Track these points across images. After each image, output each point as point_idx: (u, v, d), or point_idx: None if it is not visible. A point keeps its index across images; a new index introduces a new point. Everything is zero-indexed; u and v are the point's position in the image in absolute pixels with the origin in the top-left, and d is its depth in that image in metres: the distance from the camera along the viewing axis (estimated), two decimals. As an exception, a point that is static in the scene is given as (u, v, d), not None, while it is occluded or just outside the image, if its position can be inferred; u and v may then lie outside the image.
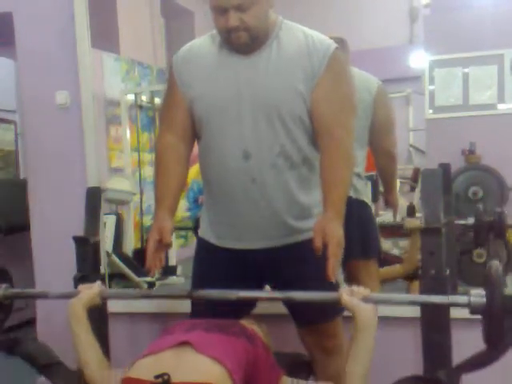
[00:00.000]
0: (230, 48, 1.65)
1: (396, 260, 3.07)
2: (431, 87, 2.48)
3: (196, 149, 1.78)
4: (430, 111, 2.49)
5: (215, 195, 1.75)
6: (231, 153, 1.64)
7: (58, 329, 1.72)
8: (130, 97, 3.90)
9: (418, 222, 2.60)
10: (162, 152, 1.72)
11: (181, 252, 3.88)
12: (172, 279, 3.58)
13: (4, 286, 1.67)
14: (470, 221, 2.38)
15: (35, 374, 2.81)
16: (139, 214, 3.82)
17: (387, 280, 2.80)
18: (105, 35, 3.44)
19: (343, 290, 1.41)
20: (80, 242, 2.12)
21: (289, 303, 1.82)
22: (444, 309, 1.66)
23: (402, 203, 2.89)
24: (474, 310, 1.33)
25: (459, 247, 2.46)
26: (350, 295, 1.39)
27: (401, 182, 3.33)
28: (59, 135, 2.69)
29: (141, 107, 3.96)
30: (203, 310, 1.74)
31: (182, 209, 3.84)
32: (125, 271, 3.17)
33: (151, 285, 3.37)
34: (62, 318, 1.81)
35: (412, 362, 1.67)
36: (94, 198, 2.27)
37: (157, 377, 1.18)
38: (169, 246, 1.63)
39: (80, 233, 2.16)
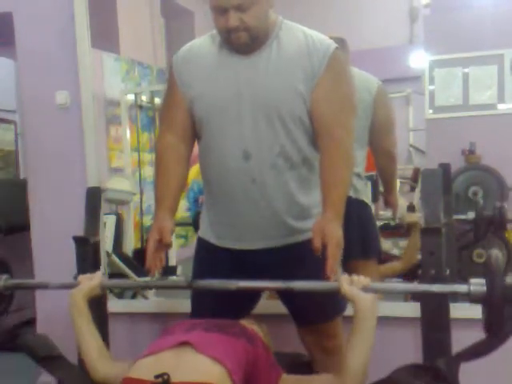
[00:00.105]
0: (230, 48, 1.65)
1: (396, 260, 3.06)
2: (431, 87, 2.48)
3: (196, 149, 1.78)
4: (430, 111, 2.49)
5: (215, 195, 1.75)
6: (231, 153, 1.64)
7: (58, 329, 1.72)
8: (130, 97, 3.91)
9: (417, 216, 2.61)
10: (162, 152, 1.72)
11: (181, 252, 3.88)
12: (172, 279, 3.57)
13: (4, 276, 1.67)
14: (471, 215, 2.39)
15: (36, 373, 2.83)
16: (139, 214, 3.82)
17: (386, 277, 2.80)
18: (105, 35, 3.45)
19: (343, 280, 1.41)
20: (80, 241, 2.12)
21: (289, 303, 1.82)
22: (444, 308, 1.66)
23: (402, 203, 2.89)
24: (473, 298, 1.32)
25: (459, 247, 2.47)
26: (349, 285, 1.39)
27: (401, 182, 3.33)
28: (59, 135, 2.69)
29: (141, 107, 3.96)
30: (203, 310, 1.74)
31: (182, 209, 3.84)
32: (125, 271, 3.17)
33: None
34: (61, 318, 1.81)
35: (412, 362, 1.66)
36: (93, 198, 2.27)
37: (157, 376, 1.18)
38: (169, 246, 1.63)
39: (80, 233, 2.16)
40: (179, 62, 1.72)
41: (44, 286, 1.76)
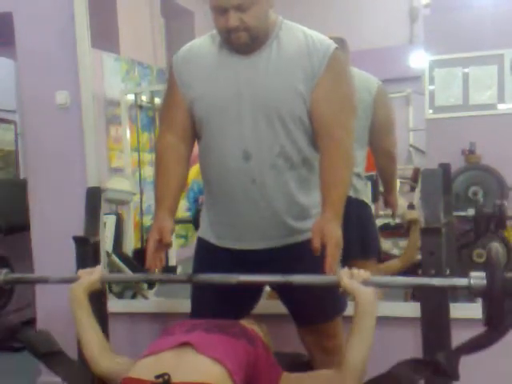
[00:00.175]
0: (229, 48, 1.65)
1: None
2: (431, 87, 2.48)
3: (196, 149, 1.78)
4: (430, 111, 2.49)
5: (215, 195, 1.75)
6: (231, 153, 1.64)
7: (58, 329, 1.72)
8: (130, 97, 3.91)
9: (416, 213, 2.61)
10: (162, 152, 1.72)
11: (181, 252, 3.88)
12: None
13: (4, 271, 1.68)
14: (470, 212, 2.39)
15: (36, 373, 2.83)
16: (139, 214, 3.82)
17: (386, 275, 2.80)
18: (105, 35, 3.45)
19: (343, 273, 1.41)
20: (80, 241, 2.12)
21: (289, 303, 1.82)
22: (444, 308, 1.66)
23: (402, 203, 2.89)
24: (474, 292, 1.32)
25: (459, 245, 2.46)
26: (349, 278, 1.39)
27: (401, 182, 3.33)
28: (59, 135, 2.69)
29: (141, 107, 3.96)
30: (203, 310, 1.75)
31: (182, 209, 3.84)
32: (125, 271, 3.17)
33: (151, 285, 3.37)
34: (62, 318, 1.82)
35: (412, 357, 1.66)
36: (94, 198, 2.27)
37: (157, 377, 1.18)
38: (169, 245, 1.63)
39: (80, 233, 2.16)
40: (179, 62, 1.72)
41: (44, 281, 1.76)
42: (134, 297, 3.29)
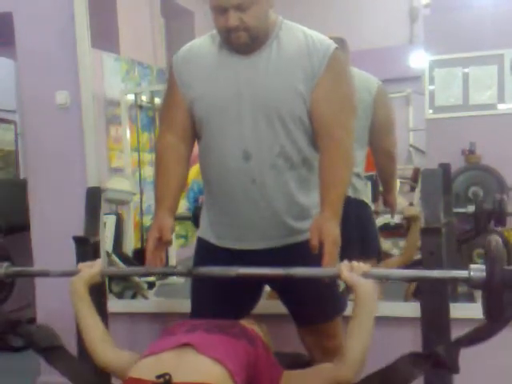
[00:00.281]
0: (229, 48, 1.65)
1: (395, 259, 3.06)
2: (431, 87, 2.48)
3: (196, 149, 1.78)
4: (430, 111, 2.50)
5: (215, 195, 1.75)
6: (231, 153, 1.64)
7: (58, 329, 1.71)
8: (130, 97, 3.91)
9: (416, 210, 2.61)
10: (162, 152, 1.72)
11: (181, 252, 3.88)
12: (172, 279, 3.58)
13: (5, 264, 1.68)
14: (471, 209, 2.39)
15: (36, 373, 2.83)
16: (139, 214, 3.82)
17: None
18: (105, 35, 3.44)
19: (343, 266, 1.41)
20: (80, 241, 2.13)
21: (289, 303, 1.82)
22: (444, 308, 1.66)
23: (401, 202, 2.89)
24: (473, 284, 1.32)
25: (459, 241, 2.47)
26: (349, 271, 1.39)
27: (401, 182, 3.33)
28: (59, 135, 2.69)
29: (141, 107, 3.96)
30: (203, 310, 1.74)
31: (182, 208, 3.84)
32: (125, 271, 3.17)
33: (151, 285, 3.37)
34: (61, 319, 1.82)
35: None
36: (94, 198, 2.27)
37: (158, 377, 1.18)
38: (169, 243, 1.63)
39: (80, 233, 2.16)
40: (179, 62, 1.72)
41: (45, 274, 1.76)
42: (133, 297, 3.29)
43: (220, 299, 1.73)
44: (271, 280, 1.79)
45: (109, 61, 3.73)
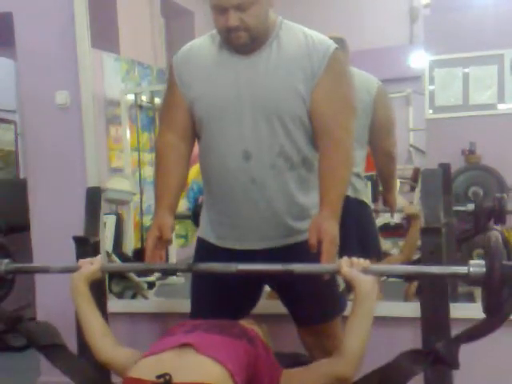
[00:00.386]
0: (229, 48, 1.65)
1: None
2: (431, 87, 2.48)
3: (196, 149, 1.78)
4: (430, 111, 2.50)
5: (215, 195, 1.75)
6: (231, 153, 1.64)
7: (57, 328, 1.72)
8: (130, 97, 3.91)
9: (416, 208, 2.61)
10: (163, 151, 1.72)
11: (181, 252, 3.88)
12: (172, 279, 3.58)
13: (6, 260, 1.68)
14: (470, 207, 2.39)
15: (36, 373, 2.83)
16: (139, 214, 3.82)
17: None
18: (105, 35, 3.44)
19: (343, 262, 1.41)
20: (80, 241, 2.13)
21: (289, 303, 1.82)
22: (444, 308, 1.66)
23: (401, 202, 2.89)
24: (473, 280, 1.32)
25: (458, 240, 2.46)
26: (349, 266, 1.39)
27: (401, 182, 3.33)
28: (59, 135, 2.69)
29: (141, 107, 3.96)
30: (203, 311, 1.74)
31: (182, 208, 3.84)
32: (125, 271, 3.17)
33: (151, 285, 3.37)
34: (61, 318, 1.82)
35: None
36: (94, 198, 2.27)
37: (158, 377, 1.18)
38: (168, 242, 1.63)
39: (80, 233, 2.16)
40: (179, 62, 1.72)
41: (45, 270, 1.76)
42: (134, 297, 3.30)
43: (220, 300, 1.73)
44: (271, 278, 1.78)
45: (109, 61, 3.73)
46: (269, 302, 2.16)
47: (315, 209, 1.66)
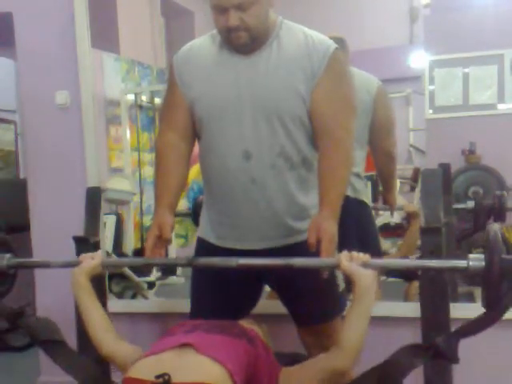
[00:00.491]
0: (230, 48, 1.65)
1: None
2: (431, 87, 2.48)
3: (196, 149, 1.78)
4: (430, 111, 2.50)
5: (215, 195, 1.75)
6: (231, 153, 1.64)
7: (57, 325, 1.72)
8: (130, 97, 3.91)
9: (415, 206, 2.61)
10: (163, 151, 1.72)
11: (181, 252, 3.88)
12: (172, 279, 3.58)
13: (8, 255, 1.68)
14: (470, 205, 2.39)
15: (36, 373, 2.83)
16: (139, 214, 3.82)
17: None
18: (105, 35, 3.45)
19: (342, 256, 1.41)
20: (80, 241, 2.12)
21: (289, 303, 1.82)
22: (444, 308, 1.66)
23: (401, 202, 2.89)
24: (472, 273, 1.32)
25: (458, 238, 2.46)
26: (349, 261, 1.39)
27: (401, 182, 3.33)
28: (59, 135, 2.69)
29: (141, 107, 3.96)
30: (202, 311, 1.74)
31: (182, 208, 3.83)
32: (125, 271, 3.17)
33: (151, 285, 3.37)
34: (61, 317, 1.81)
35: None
36: (94, 198, 2.27)
37: (157, 377, 1.18)
38: (168, 241, 1.63)
39: (80, 233, 2.16)
40: (179, 62, 1.72)
41: (46, 265, 1.77)
42: (134, 297, 3.30)
43: (220, 299, 1.73)
44: (271, 274, 1.78)
45: (109, 61, 3.73)
46: (269, 302, 2.16)
47: (315, 209, 1.66)
